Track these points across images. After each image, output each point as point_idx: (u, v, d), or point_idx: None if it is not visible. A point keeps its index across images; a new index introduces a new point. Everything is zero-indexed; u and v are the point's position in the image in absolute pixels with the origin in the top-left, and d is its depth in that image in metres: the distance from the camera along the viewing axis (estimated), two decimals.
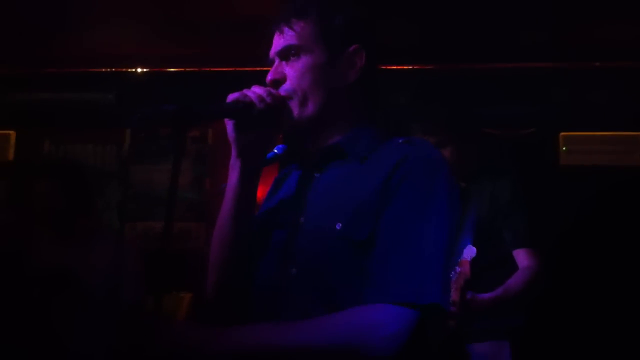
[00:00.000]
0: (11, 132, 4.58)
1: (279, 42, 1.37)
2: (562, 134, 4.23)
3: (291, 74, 1.35)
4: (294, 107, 1.34)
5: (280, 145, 1.46)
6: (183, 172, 4.31)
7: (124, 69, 4.23)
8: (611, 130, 4.21)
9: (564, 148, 4.22)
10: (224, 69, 4.06)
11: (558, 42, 3.79)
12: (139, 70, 4.24)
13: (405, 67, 4.01)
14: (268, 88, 1.34)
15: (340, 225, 1.23)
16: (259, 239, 1.36)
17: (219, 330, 1.21)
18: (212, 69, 4.13)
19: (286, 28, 1.36)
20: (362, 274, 1.21)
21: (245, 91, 1.31)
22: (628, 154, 4.15)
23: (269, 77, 1.36)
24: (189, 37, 3.84)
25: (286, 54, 1.36)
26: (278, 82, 1.35)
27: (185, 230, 4.29)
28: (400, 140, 1.34)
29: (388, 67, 3.93)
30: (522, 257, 2.53)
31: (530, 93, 4.02)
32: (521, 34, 3.72)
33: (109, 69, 4.24)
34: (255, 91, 1.31)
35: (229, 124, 1.33)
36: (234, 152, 1.35)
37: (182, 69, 4.21)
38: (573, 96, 3.94)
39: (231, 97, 1.30)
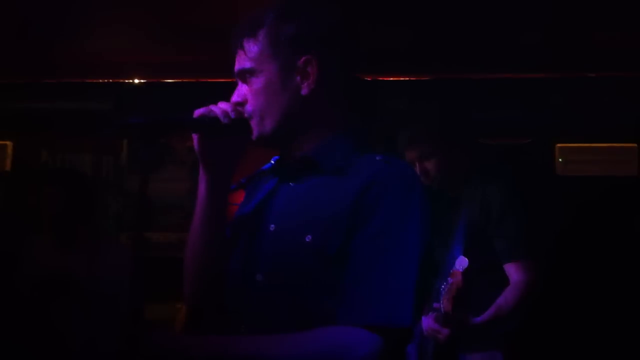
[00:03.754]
0: (8, 142, 4.59)
1: (236, 64, 1.38)
2: (558, 145, 4.25)
3: (248, 95, 1.36)
4: (254, 126, 1.35)
5: (276, 157, 1.46)
6: (180, 181, 4.32)
7: (121, 79, 4.24)
8: (606, 141, 4.23)
9: (559, 159, 4.23)
10: (222, 80, 4.07)
11: (554, 52, 3.80)
12: (137, 80, 4.25)
13: (400, 78, 4.04)
14: (234, 104, 1.35)
15: (310, 237, 1.24)
16: (229, 244, 1.39)
17: (195, 338, 1.23)
18: (210, 80, 4.14)
19: (239, 49, 1.36)
20: (331, 287, 1.22)
21: (211, 106, 1.33)
22: (622, 165, 4.16)
23: (232, 99, 1.38)
24: (187, 45, 3.85)
25: (242, 76, 1.37)
26: (241, 104, 1.36)
27: (183, 239, 4.27)
28: (377, 158, 1.32)
29: (384, 78, 3.97)
30: (513, 271, 2.51)
31: (527, 103, 4.03)
32: (517, 44, 3.73)
33: (106, 79, 4.25)
34: (220, 107, 1.33)
35: (195, 138, 1.35)
36: (200, 165, 1.38)
37: (180, 80, 4.23)
38: (569, 107, 3.95)
39: (198, 112, 1.32)
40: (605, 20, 3.39)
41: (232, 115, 1.32)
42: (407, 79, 4.06)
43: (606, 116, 3.91)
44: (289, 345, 1.19)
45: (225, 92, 1.42)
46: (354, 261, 1.22)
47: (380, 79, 3.93)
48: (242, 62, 1.36)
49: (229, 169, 1.39)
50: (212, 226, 1.38)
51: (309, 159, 1.35)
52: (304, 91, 1.34)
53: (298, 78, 1.34)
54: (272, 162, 1.46)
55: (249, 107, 1.35)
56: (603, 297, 3.81)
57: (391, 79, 4.01)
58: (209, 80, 4.15)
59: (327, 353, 1.17)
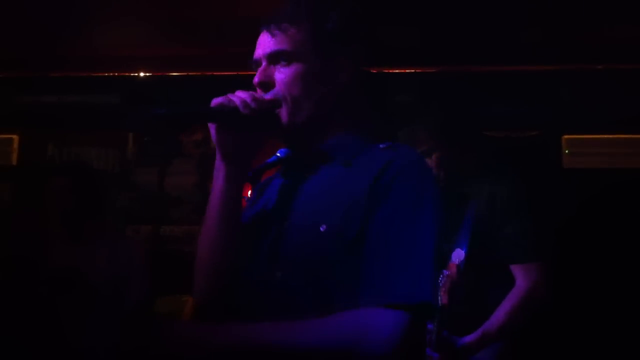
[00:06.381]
0: (14, 136, 4.59)
1: (268, 44, 1.35)
2: (565, 136, 4.22)
3: (280, 79, 1.33)
4: (284, 113, 1.33)
5: (282, 149, 1.45)
6: (187, 174, 4.32)
7: (127, 72, 4.24)
8: (615, 132, 4.20)
9: (566, 151, 4.21)
10: (227, 73, 4.07)
11: (561, 44, 3.79)
12: (143, 73, 4.25)
13: (408, 71, 4.03)
14: (252, 93, 1.31)
15: (325, 227, 1.24)
16: (244, 242, 1.35)
17: (216, 327, 1.21)
18: (215, 73, 4.14)
19: (278, 31, 1.34)
20: (352, 274, 1.21)
21: (229, 95, 1.30)
22: (632, 157, 4.14)
23: (256, 80, 1.35)
24: (193, 39, 3.85)
25: (276, 59, 1.35)
26: (266, 86, 1.34)
27: (189, 232, 4.29)
28: (381, 146, 1.33)
29: (396, 71, 3.96)
30: (517, 273, 2.48)
31: (534, 95, 4.02)
32: (524, 36, 3.72)
33: (112, 72, 4.26)
34: (239, 96, 1.29)
35: (213, 128, 1.31)
36: (218, 156, 1.34)
37: (186, 73, 4.23)
38: (576, 98, 3.94)
39: (215, 101, 1.29)
40: (613, 13, 3.38)
41: (253, 105, 1.28)
42: (413, 70, 4.06)
43: (614, 108, 3.89)
44: (312, 331, 1.17)
45: (231, 86, 1.40)
46: (371, 242, 1.22)
47: (386, 71, 3.93)
48: (278, 44, 1.34)
49: (247, 160, 1.35)
50: (229, 219, 1.34)
51: (321, 152, 1.35)
52: (340, 82, 1.35)
53: (336, 69, 1.35)
54: (279, 154, 1.44)
55: (278, 91, 1.33)
56: (610, 293, 3.79)
57: (396, 71, 4.01)
58: (215, 73, 4.15)
59: (350, 337, 1.15)
